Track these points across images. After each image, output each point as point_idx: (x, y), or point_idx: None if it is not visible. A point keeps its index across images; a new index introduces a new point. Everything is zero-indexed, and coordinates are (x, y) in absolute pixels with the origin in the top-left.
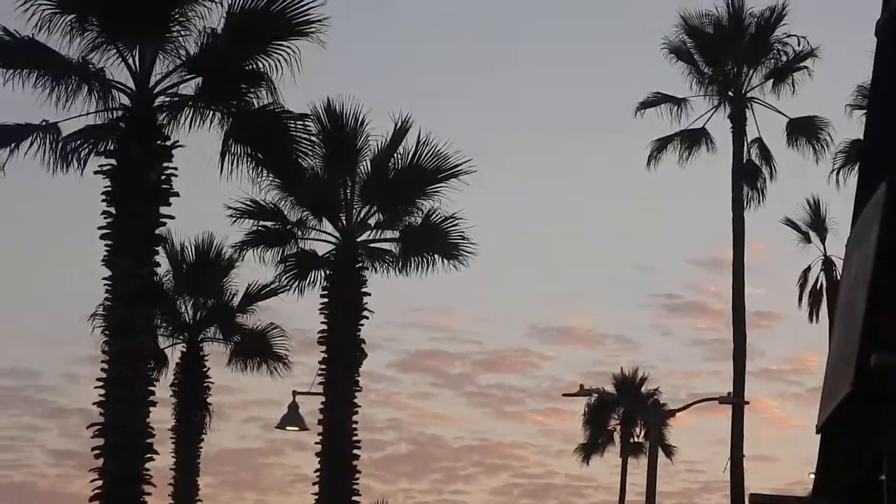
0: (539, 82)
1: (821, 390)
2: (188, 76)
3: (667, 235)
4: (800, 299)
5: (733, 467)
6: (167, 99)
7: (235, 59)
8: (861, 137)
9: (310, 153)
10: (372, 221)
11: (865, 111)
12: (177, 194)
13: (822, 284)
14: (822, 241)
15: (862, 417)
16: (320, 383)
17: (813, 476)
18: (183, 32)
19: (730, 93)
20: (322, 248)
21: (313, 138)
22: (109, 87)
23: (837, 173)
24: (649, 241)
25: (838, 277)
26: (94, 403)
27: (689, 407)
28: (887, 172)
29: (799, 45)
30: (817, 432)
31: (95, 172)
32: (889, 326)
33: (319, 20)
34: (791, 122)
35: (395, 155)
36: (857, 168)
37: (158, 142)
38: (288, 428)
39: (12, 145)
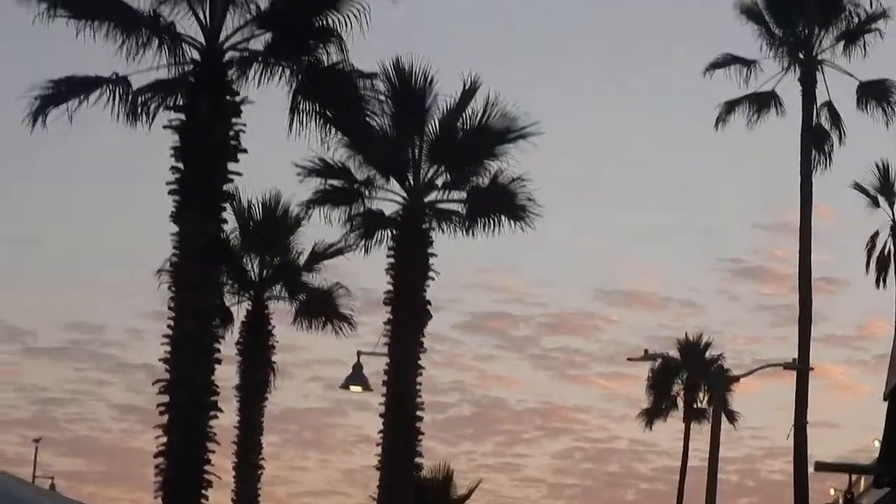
0: (608, 39)
1: (889, 357)
2: (258, 31)
3: (734, 199)
4: (867, 265)
5: (797, 433)
6: (237, 54)
7: (306, 14)
8: None
9: (378, 112)
10: (439, 182)
11: None
12: (245, 151)
13: (890, 250)
14: (891, 205)
15: None
16: (385, 344)
17: (878, 443)
18: None
19: (800, 55)
20: (389, 208)
21: (382, 97)
22: (180, 42)
23: None
24: (716, 204)
25: None
26: (159, 360)
27: (754, 373)
28: None
29: (871, 6)
30: (885, 399)
31: (164, 127)
32: None
33: None
34: (862, 84)
35: (464, 115)
36: None
37: (227, 97)
38: (352, 388)
39: (81, 97)
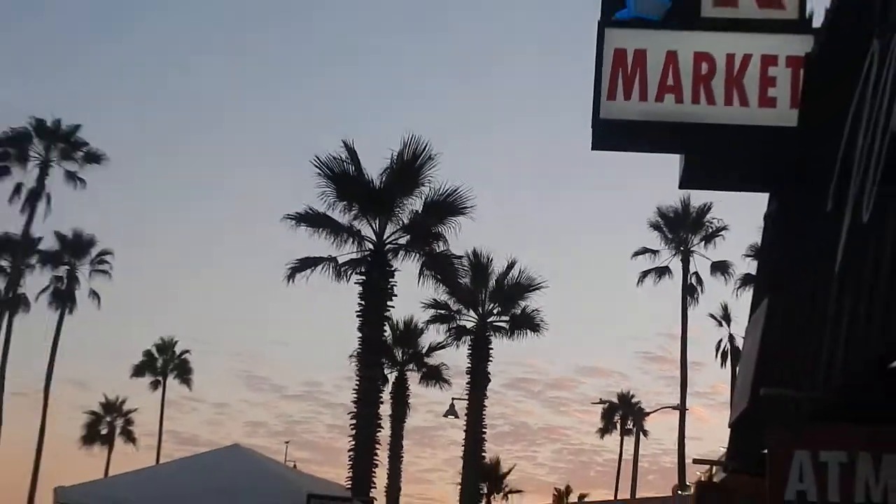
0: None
1: (730, 405)
2: (402, 234)
3: (647, 321)
4: (716, 356)
5: (680, 441)
6: (392, 246)
7: (427, 225)
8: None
9: (463, 275)
10: (495, 311)
11: (756, 260)
12: (395, 295)
13: (727, 348)
14: (729, 325)
15: (752, 421)
16: (466, 393)
17: (724, 448)
18: (400, 212)
19: (681, 248)
20: (468, 324)
21: (466, 267)
22: (362, 239)
23: (738, 290)
24: (641, 323)
25: (738, 346)
26: (351, 401)
27: (656, 411)
28: (768, 293)
29: (718, 223)
30: (729, 426)
31: (356, 283)
32: (767, 376)
33: (470, 206)
34: (713, 263)
35: (507, 278)
36: (750, 289)
37: (387, 268)
38: (449, 417)
39: (313, 267)
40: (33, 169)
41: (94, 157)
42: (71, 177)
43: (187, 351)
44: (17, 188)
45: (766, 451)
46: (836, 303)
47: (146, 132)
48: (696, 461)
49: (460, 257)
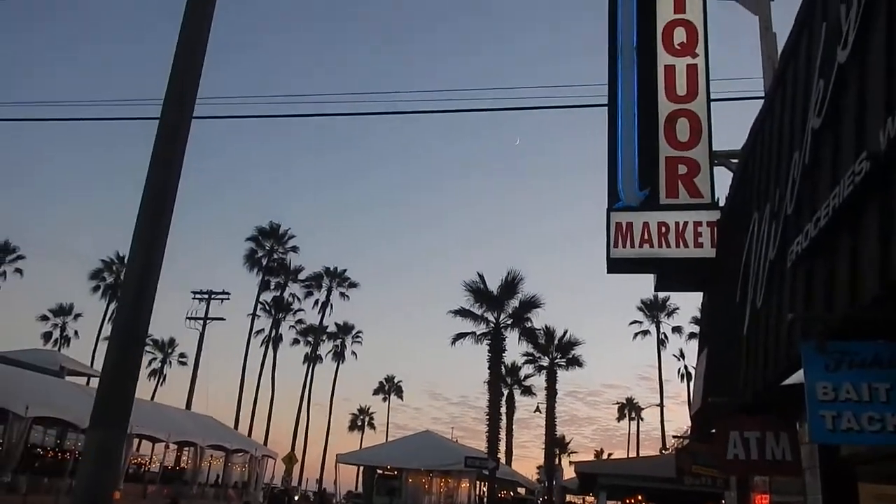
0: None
1: (688, 405)
2: (509, 319)
3: (639, 358)
4: (677, 376)
5: (661, 424)
6: (503, 325)
7: (521, 314)
8: (696, 333)
9: (541, 338)
10: (558, 356)
11: (698, 325)
12: (506, 350)
13: (683, 373)
14: (684, 359)
15: (704, 414)
16: (545, 399)
17: (687, 428)
18: (507, 307)
19: (655, 320)
20: (544, 364)
21: (542, 333)
22: (488, 322)
23: (687, 341)
24: (633, 359)
25: (691, 371)
26: (485, 405)
27: (647, 408)
28: (706, 344)
29: (674, 305)
30: (690, 417)
31: (486, 344)
32: (711, 390)
33: (543, 303)
34: (672, 327)
35: (564, 338)
36: (695, 339)
37: (501, 337)
38: (536, 412)
39: (464, 338)
40: (324, 290)
41: (353, 285)
42: (342, 295)
43: (400, 380)
44: (316, 302)
45: (714, 430)
46: (746, 349)
47: (381, 265)
48: (674, 437)
49: (539, 329)
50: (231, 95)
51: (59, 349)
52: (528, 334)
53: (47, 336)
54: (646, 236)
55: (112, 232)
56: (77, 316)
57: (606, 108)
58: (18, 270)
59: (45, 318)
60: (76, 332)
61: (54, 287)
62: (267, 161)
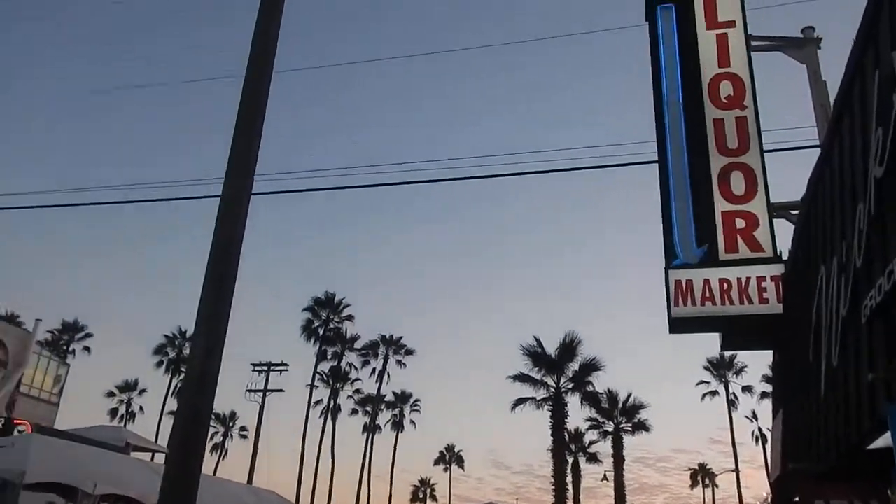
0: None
1: (765, 469)
2: (569, 383)
3: (709, 420)
4: (752, 439)
5: (738, 491)
6: (564, 389)
7: (582, 377)
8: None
9: (604, 402)
10: (623, 421)
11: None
12: (568, 415)
13: (757, 435)
14: (757, 421)
15: (785, 481)
16: (612, 467)
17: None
18: (567, 371)
19: (723, 379)
20: (609, 429)
21: (604, 397)
22: (548, 387)
23: (759, 400)
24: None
25: (766, 434)
26: (550, 473)
27: (721, 473)
28: (781, 406)
29: (742, 364)
30: (770, 484)
31: (547, 410)
32: (790, 455)
33: (603, 366)
34: (742, 386)
35: (628, 402)
36: (766, 399)
37: (563, 402)
38: (603, 480)
39: (525, 403)
40: (380, 359)
41: (409, 352)
42: (399, 362)
43: (461, 449)
44: (373, 370)
45: (797, 499)
46: (825, 411)
47: (436, 329)
48: None
49: (601, 393)
50: (277, 172)
51: (125, 425)
52: (591, 398)
53: (113, 412)
54: (707, 294)
55: (175, 306)
56: (142, 391)
57: (657, 164)
58: (86, 348)
59: (111, 394)
60: (141, 408)
61: (120, 363)
62: (319, 229)
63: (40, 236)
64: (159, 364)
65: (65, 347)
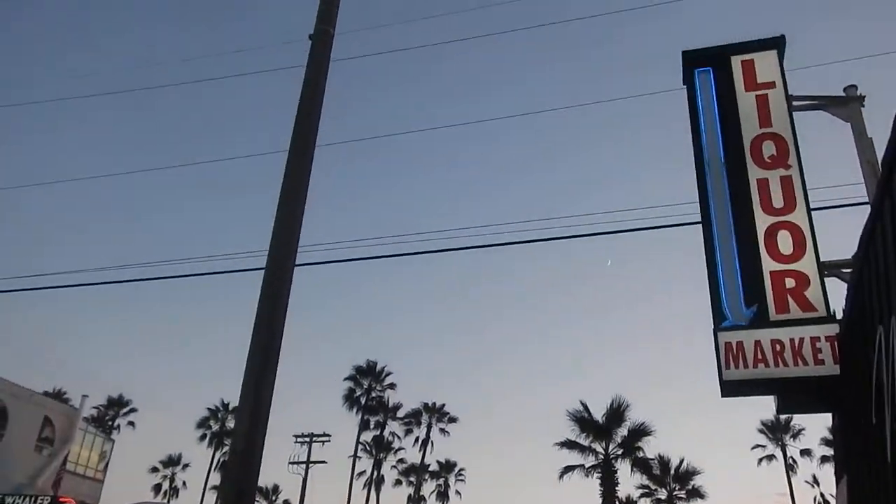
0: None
1: None
2: (618, 448)
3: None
4: None
5: None
6: (613, 455)
7: (631, 442)
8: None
9: (655, 468)
10: (677, 488)
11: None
12: (619, 483)
13: (819, 501)
14: (819, 486)
15: None
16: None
17: None
18: (615, 436)
19: (780, 443)
20: (662, 497)
21: (656, 463)
22: (597, 453)
23: (820, 465)
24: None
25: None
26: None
27: None
28: (844, 471)
29: (799, 426)
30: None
31: (596, 477)
32: None
33: (653, 431)
34: (801, 450)
35: (681, 468)
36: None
37: (612, 469)
38: None
39: (572, 470)
40: (423, 427)
41: (453, 420)
42: (442, 430)
43: None
44: (416, 439)
45: None
46: (894, 478)
47: (478, 395)
48: None
49: (652, 459)
50: (314, 243)
51: (169, 501)
52: (641, 465)
53: (157, 487)
54: (759, 355)
55: (218, 377)
56: (185, 466)
57: (700, 225)
58: (131, 423)
59: (155, 469)
60: (184, 483)
61: (164, 437)
62: (355, 294)
63: (83, 313)
64: (202, 438)
65: (110, 423)
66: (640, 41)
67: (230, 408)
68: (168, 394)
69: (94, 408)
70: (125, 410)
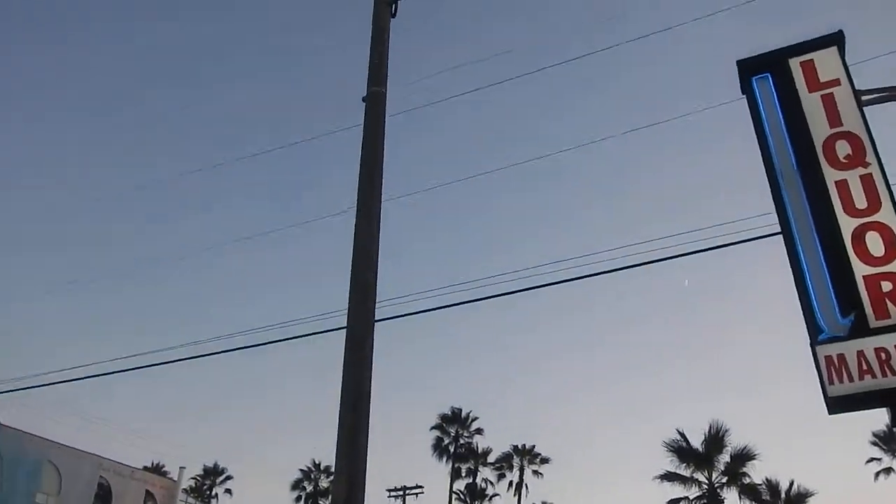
0: None
1: None
2: (722, 476)
3: None
4: None
5: None
6: (717, 484)
7: (735, 469)
8: None
9: (763, 493)
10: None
11: None
12: None
13: None
14: None
15: None
16: None
17: None
18: (717, 464)
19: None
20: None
21: (763, 487)
22: (700, 484)
23: None
24: None
25: None
26: None
27: None
28: None
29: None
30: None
31: None
32: None
33: (757, 454)
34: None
35: (791, 491)
36: None
37: (718, 499)
38: None
39: None
40: (516, 470)
41: (545, 461)
42: (535, 472)
43: None
44: (510, 483)
45: None
46: None
47: (567, 433)
48: None
49: (760, 484)
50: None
51: None
52: (749, 491)
53: None
54: (864, 366)
55: (310, 436)
56: None
57: (781, 236)
58: (228, 491)
59: None
60: None
61: (261, 502)
62: (434, 347)
63: (175, 385)
64: (297, 499)
65: (207, 492)
66: (693, 57)
67: (321, 467)
68: (263, 458)
69: (192, 478)
70: (221, 479)
